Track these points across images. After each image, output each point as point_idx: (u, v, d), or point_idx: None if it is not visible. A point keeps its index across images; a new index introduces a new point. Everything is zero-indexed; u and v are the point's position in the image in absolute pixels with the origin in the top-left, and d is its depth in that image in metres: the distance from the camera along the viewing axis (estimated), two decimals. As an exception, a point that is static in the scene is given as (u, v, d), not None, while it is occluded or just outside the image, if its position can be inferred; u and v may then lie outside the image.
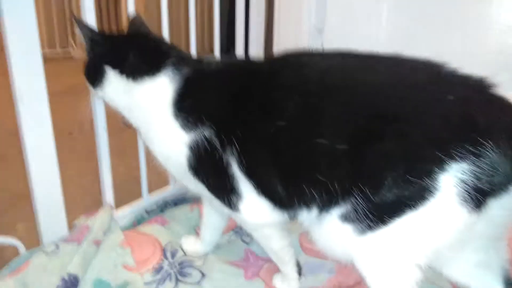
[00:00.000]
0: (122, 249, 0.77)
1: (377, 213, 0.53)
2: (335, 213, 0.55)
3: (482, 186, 0.50)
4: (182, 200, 0.99)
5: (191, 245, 0.84)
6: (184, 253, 0.83)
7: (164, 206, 0.97)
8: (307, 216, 0.60)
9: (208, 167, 0.64)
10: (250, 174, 0.61)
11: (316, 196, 0.56)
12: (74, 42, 2.87)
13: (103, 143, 0.84)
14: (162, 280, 0.75)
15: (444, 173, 0.50)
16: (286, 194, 0.60)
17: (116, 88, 0.67)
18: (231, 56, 0.97)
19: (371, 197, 0.52)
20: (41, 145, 0.74)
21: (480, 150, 0.49)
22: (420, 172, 0.51)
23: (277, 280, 0.76)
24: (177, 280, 0.76)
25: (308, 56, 0.66)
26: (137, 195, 0.96)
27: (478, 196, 0.50)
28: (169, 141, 0.65)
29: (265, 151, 0.59)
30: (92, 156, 0.88)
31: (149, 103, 0.65)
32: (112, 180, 0.88)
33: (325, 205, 0.57)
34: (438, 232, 0.54)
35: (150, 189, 0.97)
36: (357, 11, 1.27)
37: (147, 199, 0.95)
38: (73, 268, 0.69)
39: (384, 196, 0.52)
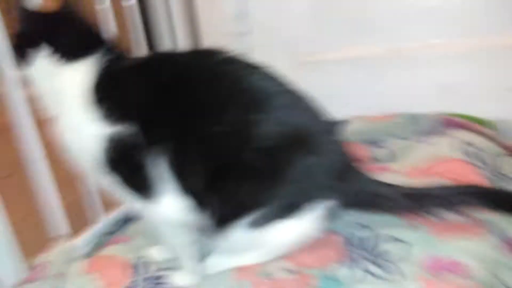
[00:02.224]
0: (89, 275, 0.74)
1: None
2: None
3: None
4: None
5: (159, 253, 0.82)
6: (156, 263, 0.81)
7: (124, 223, 0.95)
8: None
9: (127, 161, 0.63)
10: (176, 173, 0.62)
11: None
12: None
13: (43, 177, 0.81)
14: None
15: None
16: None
17: (45, 67, 0.65)
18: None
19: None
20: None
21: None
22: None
23: (176, 275, 0.76)
24: None
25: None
26: (94, 220, 0.93)
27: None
28: (86, 131, 0.63)
29: (195, 151, 0.62)
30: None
31: (71, 89, 0.64)
32: (64, 210, 0.85)
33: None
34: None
35: (106, 210, 0.95)
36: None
37: (105, 222, 0.93)
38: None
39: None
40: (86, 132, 0.63)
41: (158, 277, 0.77)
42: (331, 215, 0.72)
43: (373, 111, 1.18)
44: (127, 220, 0.97)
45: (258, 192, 0.66)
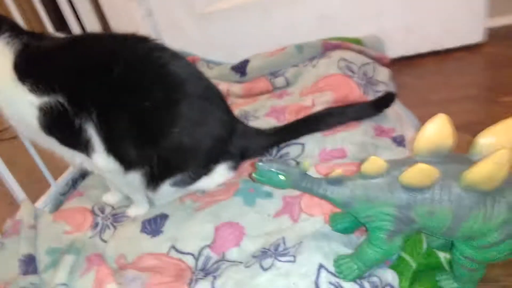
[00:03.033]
0: (56, 223, 0.88)
1: None
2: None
3: None
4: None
5: (113, 197, 0.97)
6: (112, 206, 0.95)
7: (75, 183, 1.09)
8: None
9: (61, 127, 0.74)
10: (103, 137, 0.75)
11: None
12: None
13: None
14: (103, 230, 0.89)
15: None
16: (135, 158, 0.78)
17: None
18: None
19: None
20: None
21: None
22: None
23: (129, 208, 0.91)
24: (114, 227, 0.90)
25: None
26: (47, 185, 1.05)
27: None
28: (19, 104, 0.72)
29: (124, 121, 0.74)
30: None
31: None
32: (19, 182, 0.97)
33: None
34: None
35: (57, 174, 1.07)
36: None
37: (57, 185, 1.06)
38: (24, 250, 0.78)
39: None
40: (19, 104, 0.71)
41: (115, 215, 0.94)
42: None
43: (267, 47, 1.34)
44: (74, 180, 1.11)
45: (182, 159, 0.82)
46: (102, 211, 0.95)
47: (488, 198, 0.49)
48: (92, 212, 0.95)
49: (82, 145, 0.77)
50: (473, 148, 0.51)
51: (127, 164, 0.80)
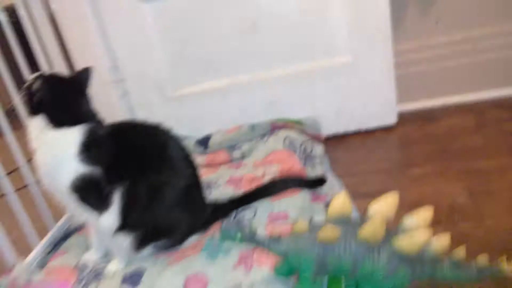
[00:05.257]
0: (49, 277, 1.02)
1: None
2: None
3: None
4: (72, 231, 1.26)
5: (92, 256, 1.10)
6: (92, 262, 1.08)
7: (57, 244, 1.23)
8: None
9: (90, 189, 0.95)
10: (123, 202, 0.97)
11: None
12: None
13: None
14: (86, 286, 1.03)
15: None
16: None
17: (39, 126, 0.93)
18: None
19: None
20: None
21: None
22: None
23: (110, 264, 1.06)
24: (98, 281, 1.01)
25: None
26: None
27: None
28: (65, 166, 0.93)
29: (141, 191, 0.97)
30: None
31: (64, 142, 0.94)
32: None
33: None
34: None
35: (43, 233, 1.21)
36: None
37: (41, 246, 1.19)
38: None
39: None
40: (65, 167, 0.92)
41: (96, 270, 1.09)
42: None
43: (226, 125, 1.59)
44: (56, 242, 1.24)
45: (169, 229, 1.03)
46: (85, 268, 1.10)
47: (375, 249, 0.72)
48: (76, 269, 1.09)
49: (101, 206, 0.96)
50: (367, 212, 0.76)
51: (127, 226, 0.98)
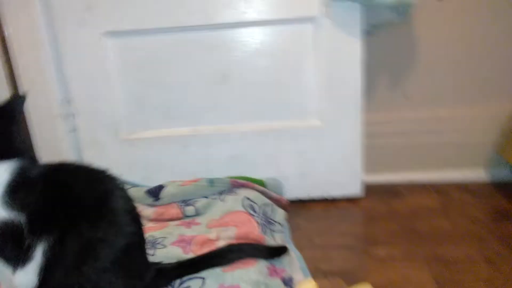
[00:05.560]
0: None
1: None
2: None
3: None
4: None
5: None
6: None
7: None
8: None
9: (7, 240, 0.78)
10: (46, 260, 0.79)
11: None
12: None
13: None
14: None
15: None
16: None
17: None
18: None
19: None
20: None
21: None
22: None
23: None
24: None
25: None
26: None
27: None
28: None
29: (70, 249, 0.79)
30: None
31: None
32: None
33: None
34: None
35: None
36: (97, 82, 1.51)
37: None
38: None
39: None
40: None
41: None
42: None
43: (182, 176, 1.45)
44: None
45: None
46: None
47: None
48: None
49: (15, 261, 0.78)
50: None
51: (46, 286, 0.80)
